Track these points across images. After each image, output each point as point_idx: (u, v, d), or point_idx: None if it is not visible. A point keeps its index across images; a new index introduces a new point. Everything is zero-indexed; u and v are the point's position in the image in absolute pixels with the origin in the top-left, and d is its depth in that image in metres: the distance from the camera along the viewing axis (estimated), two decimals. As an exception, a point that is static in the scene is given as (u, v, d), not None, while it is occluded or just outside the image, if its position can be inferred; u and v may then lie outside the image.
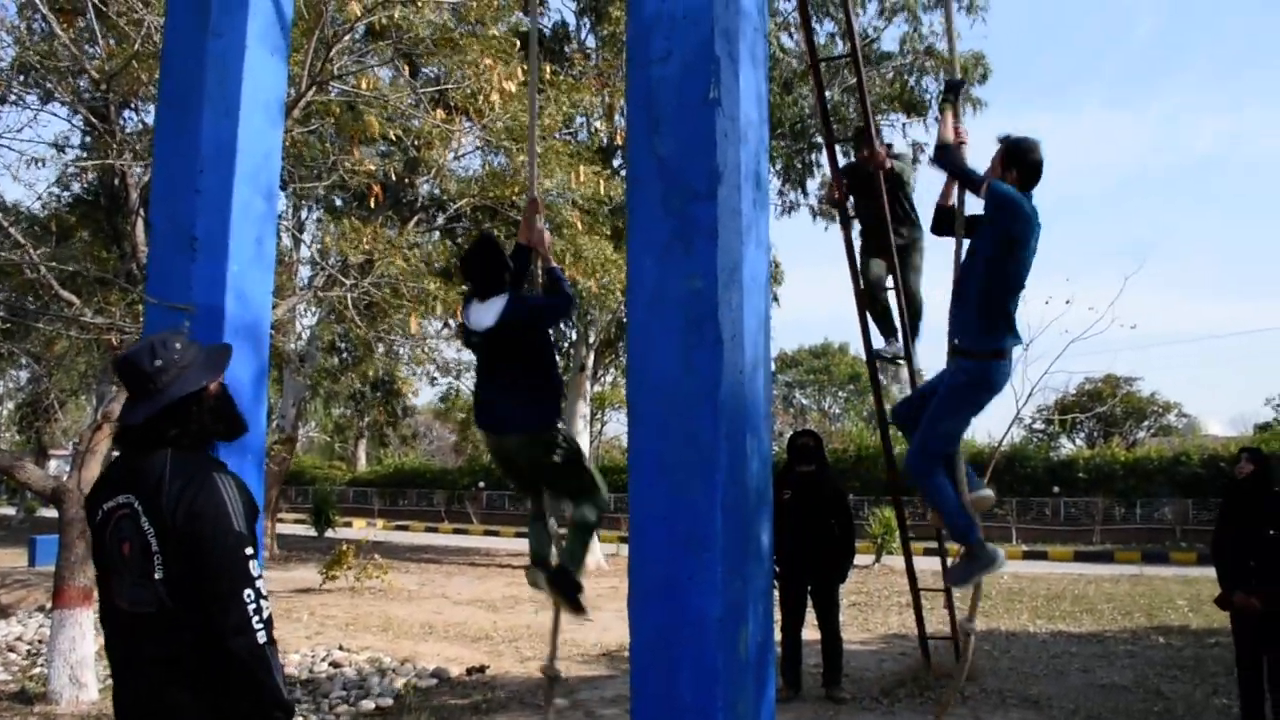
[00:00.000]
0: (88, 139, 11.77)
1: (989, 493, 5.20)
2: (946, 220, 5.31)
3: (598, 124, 17.02)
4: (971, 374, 4.76)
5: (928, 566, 12.15)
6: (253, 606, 2.76)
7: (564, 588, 5.14)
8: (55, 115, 17.64)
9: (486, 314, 5.01)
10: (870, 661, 9.80)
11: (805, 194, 22.18)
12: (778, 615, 8.46)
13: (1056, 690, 8.65)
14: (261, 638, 2.76)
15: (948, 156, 5.01)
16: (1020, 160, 4.77)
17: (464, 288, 5.56)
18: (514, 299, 5.04)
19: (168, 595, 2.76)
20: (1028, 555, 25.74)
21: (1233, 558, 7.03)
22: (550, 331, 5.45)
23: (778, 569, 8.47)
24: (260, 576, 2.83)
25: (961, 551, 5.06)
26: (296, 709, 7.78)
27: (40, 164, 10.61)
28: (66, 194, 14.19)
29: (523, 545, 28.21)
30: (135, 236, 9.32)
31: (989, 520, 28.95)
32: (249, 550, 2.81)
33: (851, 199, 7.99)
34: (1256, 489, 7.04)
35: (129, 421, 2.95)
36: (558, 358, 5.34)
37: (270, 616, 2.83)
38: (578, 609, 5.20)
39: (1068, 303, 11.55)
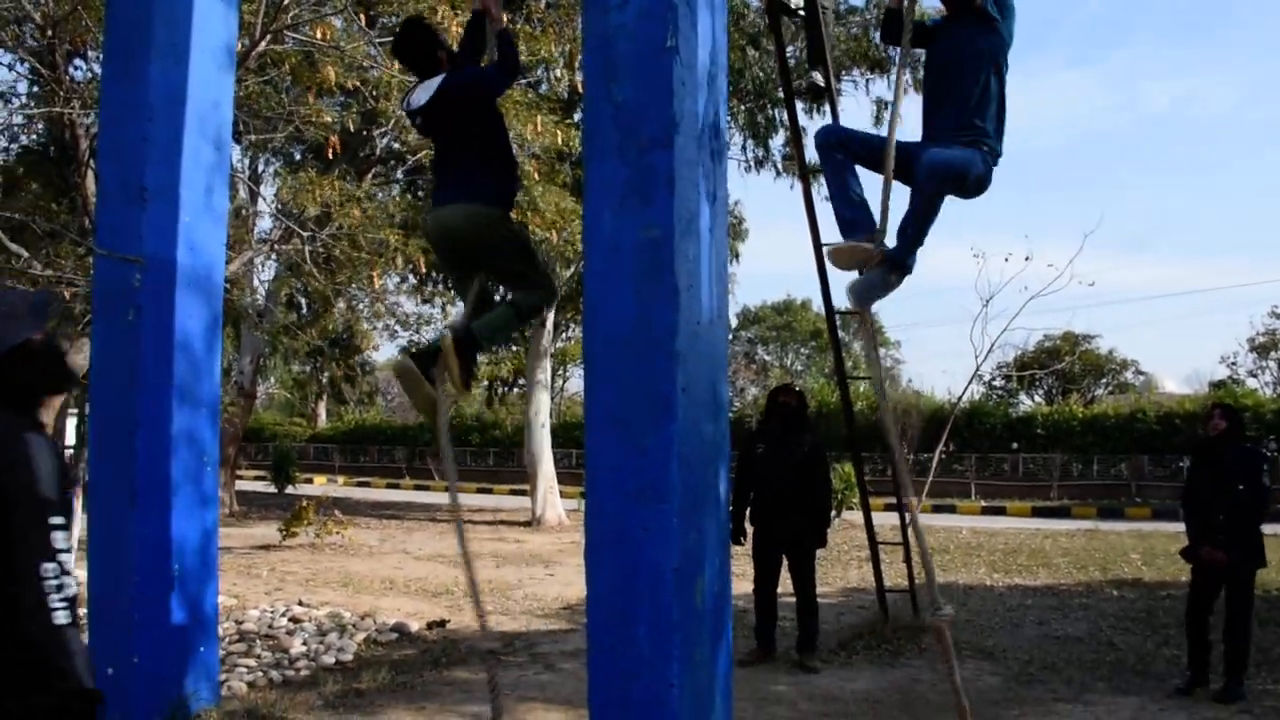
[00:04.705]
0: (35, 88, 11.51)
1: None
2: (899, 26, 4.81)
3: (559, 73, 16.80)
4: (988, 163, 4.53)
5: (886, 521, 12.23)
6: (54, 583, 2.46)
7: (463, 356, 4.74)
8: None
9: (424, 92, 4.83)
10: (829, 615, 9.87)
11: (769, 151, 22.12)
12: (749, 572, 8.46)
13: (1011, 642, 8.75)
14: (61, 618, 2.46)
15: None
16: None
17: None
18: (450, 74, 4.84)
19: None
20: (986, 510, 26.02)
21: (1201, 512, 7.09)
22: (499, 111, 5.15)
23: (751, 526, 8.36)
24: (66, 550, 2.53)
25: (886, 266, 4.50)
26: (257, 663, 7.74)
27: (-12, 114, 10.39)
28: (14, 146, 13.90)
29: (483, 501, 28.12)
30: (85, 188, 9.16)
31: (948, 476, 29.28)
32: (55, 520, 2.51)
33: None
34: (1227, 444, 7.10)
35: None
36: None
37: (76, 596, 2.50)
38: (466, 381, 4.80)
39: (1027, 259, 11.61)
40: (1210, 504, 7.03)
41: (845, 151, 4.53)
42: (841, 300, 7.65)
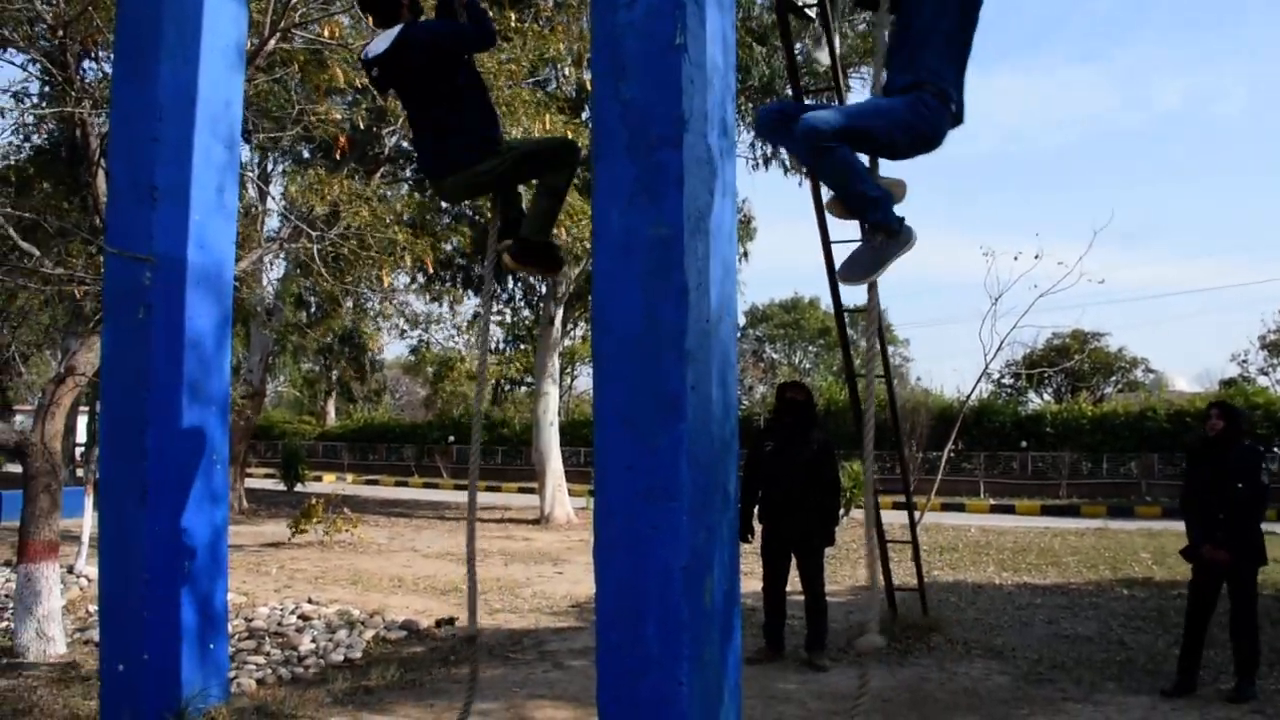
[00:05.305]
0: (46, 89, 11.54)
1: (902, 179, 4.26)
2: None
3: (567, 71, 16.81)
4: (932, 108, 4.03)
5: (895, 520, 12.23)
6: None
7: (533, 256, 4.98)
8: (11, 64, 17.32)
9: (382, 41, 4.78)
10: (838, 613, 9.86)
11: (776, 148, 22.06)
12: (757, 570, 8.45)
13: (1021, 641, 8.74)
14: None
15: None
16: None
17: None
18: (409, 24, 4.80)
19: None
20: (995, 509, 26.01)
21: (1202, 511, 7.08)
22: (474, 68, 5.09)
23: (759, 524, 8.33)
24: None
25: (868, 234, 4.10)
26: (266, 660, 7.76)
27: (0, 115, 10.40)
28: (26, 145, 13.95)
29: (492, 500, 28.14)
30: (96, 187, 9.16)
31: (957, 474, 29.24)
32: None
33: None
34: (1226, 443, 7.09)
35: None
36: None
37: None
38: (555, 264, 5.16)
39: (1037, 257, 11.60)
40: (1211, 503, 7.02)
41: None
42: (850, 299, 7.60)
